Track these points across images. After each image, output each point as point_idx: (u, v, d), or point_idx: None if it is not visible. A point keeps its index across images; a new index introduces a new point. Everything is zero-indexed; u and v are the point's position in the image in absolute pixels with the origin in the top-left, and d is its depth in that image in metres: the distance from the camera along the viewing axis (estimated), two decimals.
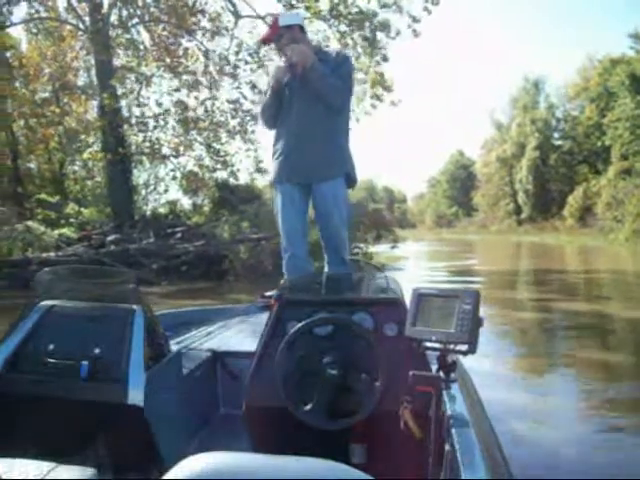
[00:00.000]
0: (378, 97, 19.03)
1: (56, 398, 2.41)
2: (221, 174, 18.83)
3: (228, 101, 18.15)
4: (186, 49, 17.92)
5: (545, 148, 55.42)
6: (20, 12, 17.99)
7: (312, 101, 3.80)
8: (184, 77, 17.98)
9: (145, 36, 18.20)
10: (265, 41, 4.24)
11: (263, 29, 18.65)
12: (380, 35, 17.77)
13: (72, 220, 18.42)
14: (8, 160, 22.62)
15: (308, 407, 2.35)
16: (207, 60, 17.81)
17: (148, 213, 20.90)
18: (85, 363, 2.44)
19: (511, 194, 60.14)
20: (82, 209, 19.99)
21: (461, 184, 77.64)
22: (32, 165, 27.04)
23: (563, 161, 54.58)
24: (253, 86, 18.26)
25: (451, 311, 1.99)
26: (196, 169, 18.96)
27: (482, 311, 1.98)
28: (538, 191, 55.80)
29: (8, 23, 17.66)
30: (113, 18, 17.48)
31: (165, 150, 18.25)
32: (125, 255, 14.66)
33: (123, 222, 16.43)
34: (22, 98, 21.45)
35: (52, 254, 14.56)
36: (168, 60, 17.31)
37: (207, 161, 18.46)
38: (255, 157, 18.53)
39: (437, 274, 16.92)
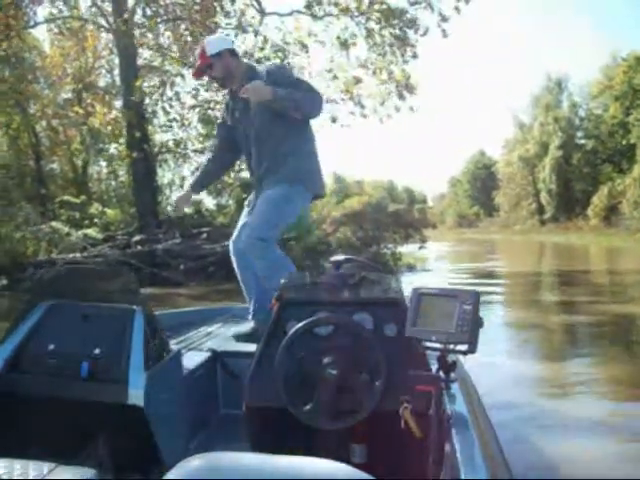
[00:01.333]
0: (401, 96, 18.75)
1: (56, 398, 2.43)
2: (246, 174, 18.54)
3: None
4: None
5: (568, 147, 54.95)
6: (44, 12, 17.91)
7: (261, 119, 3.66)
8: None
9: (168, 35, 18.00)
10: (197, 75, 3.95)
11: (289, 26, 18.50)
12: (409, 32, 17.48)
13: (96, 220, 18.29)
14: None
15: (308, 407, 2.35)
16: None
17: (173, 213, 20.70)
18: (85, 363, 2.46)
19: (534, 194, 59.60)
20: (106, 209, 19.85)
21: (482, 184, 77.15)
22: (54, 166, 27.07)
23: (586, 160, 54.11)
24: None
25: (451, 311, 2.00)
26: None
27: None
28: (561, 191, 55.34)
29: (32, 23, 17.57)
30: (137, 17, 17.32)
31: (190, 149, 18.01)
32: (151, 256, 14.45)
33: (148, 222, 16.20)
34: (45, 99, 21.45)
35: (78, 255, 14.38)
36: (192, 59, 17.06)
37: None
38: None
39: (465, 276, 16.56)
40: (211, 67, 3.68)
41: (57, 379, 2.47)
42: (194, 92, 18.07)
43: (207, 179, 4.19)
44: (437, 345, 2.03)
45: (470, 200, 79.83)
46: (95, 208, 19.29)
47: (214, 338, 3.65)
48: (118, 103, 19.64)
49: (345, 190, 60.23)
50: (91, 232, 16.87)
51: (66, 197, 19.92)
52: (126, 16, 15.93)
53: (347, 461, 0.99)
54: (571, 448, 3.97)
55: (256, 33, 17.68)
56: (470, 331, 1.94)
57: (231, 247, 3.90)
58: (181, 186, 21.15)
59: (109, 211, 19.76)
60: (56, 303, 2.68)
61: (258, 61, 17.57)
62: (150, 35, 17.49)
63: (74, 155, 25.87)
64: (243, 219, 3.88)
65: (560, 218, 54.74)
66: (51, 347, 2.54)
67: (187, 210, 21.00)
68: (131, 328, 2.54)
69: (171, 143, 17.80)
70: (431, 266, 18.60)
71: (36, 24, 17.64)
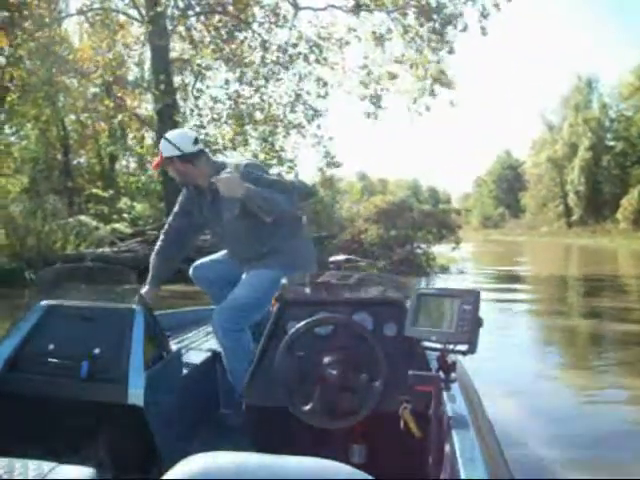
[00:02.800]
0: (433, 92, 18.41)
1: (56, 398, 2.44)
2: (277, 170, 18.29)
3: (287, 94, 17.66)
4: (242, 41, 17.45)
5: (598, 149, 54.32)
6: (76, 4, 17.76)
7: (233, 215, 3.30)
8: (240, 69, 17.50)
9: (200, 28, 17.77)
10: (155, 168, 3.72)
11: (324, 20, 18.21)
12: (447, 28, 17.11)
13: (125, 215, 18.12)
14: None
15: (308, 407, 2.33)
16: (265, 52, 17.31)
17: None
18: (85, 363, 2.47)
19: (561, 196, 58.97)
20: (135, 204, 19.68)
21: (508, 185, 76.39)
22: (82, 160, 27.06)
23: (616, 162, 53.60)
24: (318, 79, 17.79)
25: (451, 311, 1.99)
26: None
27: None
28: (590, 193, 54.69)
29: (64, 14, 17.43)
30: (169, 9, 17.09)
31: (220, 144, 17.75)
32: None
33: None
34: (75, 92, 21.33)
35: (107, 249, 14.18)
36: (227, 49, 16.83)
37: (262, 156, 17.94)
38: (326, 152, 17.99)
39: (499, 280, 16.19)
40: (168, 165, 3.34)
41: (57, 379, 2.49)
42: (225, 87, 17.88)
43: (163, 273, 3.62)
44: (437, 345, 2.04)
45: (495, 201, 79.09)
46: (124, 202, 19.15)
47: (214, 338, 3.56)
48: (149, 97, 19.50)
49: (370, 188, 59.93)
50: (119, 227, 16.72)
51: (95, 190, 19.77)
52: (160, 8, 15.69)
53: (347, 461, 1.01)
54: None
55: (290, 28, 17.39)
56: (470, 331, 1.94)
57: (192, 272, 3.60)
58: None
59: (138, 205, 19.60)
60: (56, 303, 2.68)
61: (290, 58, 17.29)
62: (182, 28, 17.26)
63: (102, 149, 25.79)
64: (215, 257, 3.61)
65: (588, 221, 54.09)
66: (51, 347, 2.55)
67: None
68: (131, 328, 2.55)
69: (202, 137, 17.52)
70: (463, 268, 18.19)
71: (68, 15, 17.45)
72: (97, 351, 2.52)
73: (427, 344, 2.10)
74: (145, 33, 17.16)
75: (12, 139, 24.59)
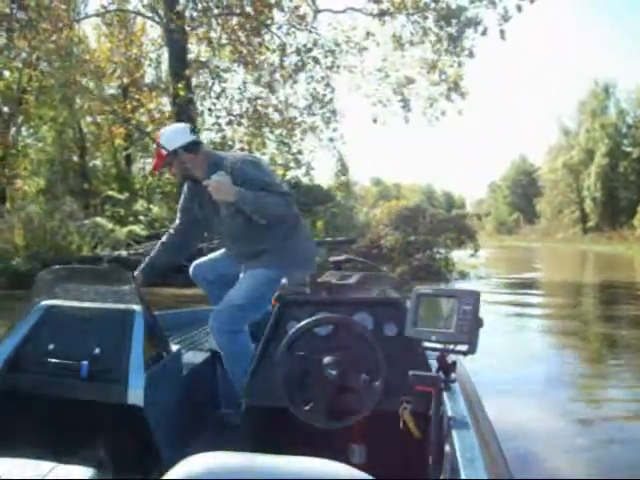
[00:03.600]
0: (449, 98, 18.25)
1: (56, 398, 2.44)
2: (295, 173, 18.19)
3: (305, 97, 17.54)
4: (260, 43, 17.34)
5: (615, 155, 53.78)
6: (94, 5, 17.73)
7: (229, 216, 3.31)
8: (258, 72, 17.41)
9: (219, 30, 17.67)
10: (156, 169, 3.65)
11: (343, 23, 18.08)
12: (467, 31, 16.93)
13: (141, 217, 18.02)
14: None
15: (308, 407, 2.33)
16: (283, 54, 17.19)
17: None
18: (85, 363, 2.48)
19: (577, 202, 58.43)
20: (151, 206, 19.59)
21: (523, 190, 75.90)
22: (97, 162, 27.08)
23: (633, 169, 53.01)
24: (327, 84, 17.67)
25: (451, 311, 1.99)
26: None
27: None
28: (606, 199, 54.13)
29: (82, 15, 17.40)
30: (187, 11, 17.02)
31: (237, 146, 17.64)
32: (198, 255, 14.02)
33: None
34: (91, 94, 21.32)
35: (123, 252, 14.07)
36: (245, 51, 16.72)
37: (279, 159, 17.83)
38: (339, 158, 17.89)
39: (520, 287, 15.96)
40: (170, 164, 3.35)
41: (57, 379, 2.49)
42: (242, 88, 17.77)
43: (159, 263, 3.65)
44: (437, 345, 2.04)
45: (509, 206, 78.60)
46: (140, 205, 19.05)
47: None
48: (166, 99, 19.43)
49: (384, 193, 59.82)
50: (136, 229, 16.61)
51: (110, 192, 19.71)
52: (179, 8, 15.61)
53: (347, 461, 1.01)
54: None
55: (310, 31, 17.26)
56: (470, 331, 1.94)
57: (191, 271, 3.61)
58: None
59: (154, 208, 19.51)
60: (56, 303, 2.69)
61: (303, 62, 17.14)
62: (201, 29, 17.16)
63: (118, 151, 25.78)
64: (213, 256, 3.62)
65: (604, 227, 53.54)
66: (51, 347, 2.55)
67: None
68: (131, 328, 2.55)
69: (218, 139, 17.42)
70: (483, 274, 17.95)
71: (87, 17, 17.43)
72: (97, 351, 2.53)
73: (427, 344, 2.10)
74: (163, 35, 17.10)
75: (29, 141, 24.67)
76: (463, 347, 1.96)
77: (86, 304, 2.70)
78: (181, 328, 3.77)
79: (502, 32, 16.59)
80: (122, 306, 2.66)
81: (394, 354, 2.38)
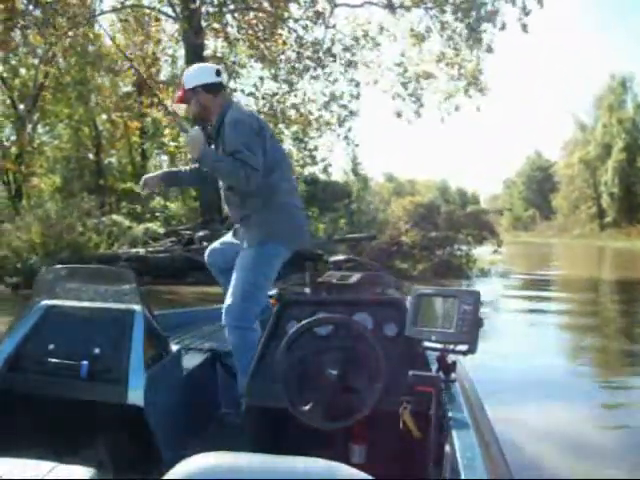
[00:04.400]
0: (468, 93, 18.04)
1: (56, 398, 2.44)
2: (312, 169, 18.02)
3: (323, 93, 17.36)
4: (276, 39, 17.15)
5: (632, 150, 53.47)
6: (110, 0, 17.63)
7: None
8: (275, 68, 17.24)
9: (235, 25, 17.51)
10: (176, 102, 3.60)
11: (360, 18, 17.90)
12: (485, 26, 16.71)
13: (158, 214, 17.89)
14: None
15: (308, 407, 2.31)
16: (300, 49, 17.01)
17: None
18: (85, 363, 2.48)
19: (594, 197, 57.95)
20: (168, 203, 19.46)
21: (538, 186, 75.41)
22: (112, 160, 27.03)
23: None
24: (351, 80, 17.51)
25: (451, 311, 2.00)
26: None
27: None
28: (624, 194, 53.74)
29: (98, 12, 17.25)
30: (204, 7, 16.85)
31: None
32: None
33: (212, 218, 15.60)
34: (107, 90, 21.26)
35: (141, 250, 13.92)
36: (262, 46, 16.54)
37: (295, 155, 17.66)
38: (353, 155, 17.72)
39: (546, 286, 15.70)
40: (189, 101, 3.35)
41: (57, 379, 2.49)
42: (259, 84, 17.62)
43: (182, 181, 3.85)
44: (437, 345, 2.06)
45: (525, 202, 78.08)
46: (157, 202, 18.92)
47: (214, 338, 3.65)
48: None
49: (398, 189, 59.52)
50: (153, 226, 16.48)
51: (129, 185, 19.55)
52: (194, 6, 15.46)
53: (347, 461, 1.12)
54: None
55: (327, 25, 17.06)
56: (470, 331, 1.95)
57: (206, 257, 3.65)
58: None
59: (171, 205, 19.38)
60: (56, 303, 2.69)
61: (320, 59, 16.94)
62: (217, 25, 16.99)
63: (133, 148, 25.71)
64: (224, 239, 3.64)
65: (621, 222, 53.08)
66: (51, 347, 2.55)
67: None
68: (131, 328, 2.55)
69: None
70: (504, 271, 17.70)
71: (103, 13, 17.29)
72: (97, 351, 2.53)
73: (427, 344, 2.12)
74: (179, 30, 16.96)
75: (45, 139, 24.66)
76: (463, 347, 1.99)
77: (86, 304, 2.71)
78: (181, 328, 3.78)
79: (524, 26, 16.40)
80: (122, 306, 2.67)
81: (394, 354, 2.38)
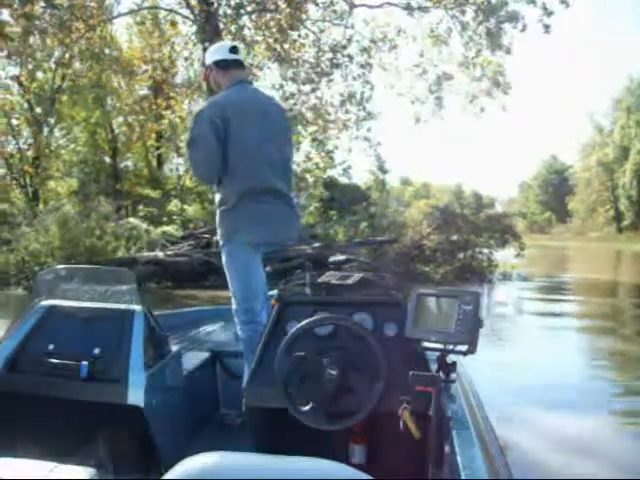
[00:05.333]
0: (490, 94, 17.79)
1: (56, 398, 2.45)
2: (331, 172, 17.81)
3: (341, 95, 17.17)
4: (294, 40, 16.99)
5: None
6: (127, 3, 17.56)
7: None
8: (293, 69, 17.07)
9: (252, 27, 17.37)
10: (202, 79, 3.82)
11: (379, 20, 17.70)
12: (506, 27, 16.45)
13: (175, 218, 17.77)
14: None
15: (308, 407, 2.31)
16: (318, 50, 16.83)
17: None
18: (85, 363, 2.48)
19: (612, 200, 57.37)
20: (185, 206, 19.34)
21: (554, 189, 74.80)
22: (129, 163, 27.01)
23: None
24: (366, 81, 17.28)
25: (451, 311, 2.04)
26: (301, 166, 17.91)
27: None
28: None
29: (115, 14, 17.22)
30: (221, 9, 16.73)
31: None
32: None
33: None
34: (123, 93, 21.21)
35: (160, 253, 13.78)
36: (279, 47, 16.38)
37: (315, 158, 17.48)
38: (377, 155, 17.50)
39: (574, 290, 15.43)
40: (208, 77, 3.42)
41: (57, 379, 2.50)
42: (277, 86, 17.44)
43: None
44: (437, 345, 2.08)
45: (541, 206, 77.49)
46: (174, 205, 18.80)
47: (214, 338, 3.69)
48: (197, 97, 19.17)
49: (414, 193, 59.34)
50: (170, 229, 16.37)
51: (146, 191, 19.50)
52: (211, 8, 15.34)
53: (347, 461, 1.13)
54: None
55: (345, 26, 16.88)
56: (470, 331, 1.96)
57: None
58: None
59: (189, 208, 19.26)
60: (56, 303, 2.70)
61: (337, 60, 16.76)
62: (234, 27, 16.85)
63: (149, 152, 25.66)
64: None
65: (639, 226, 52.52)
66: (51, 347, 2.56)
67: None
68: (131, 328, 2.56)
69: None
70: (527, 275, 17.44)
71: (120, 15, 17.25)
72: (97, 351, 2.53)
73: (427, 344, 2.13)
74: (196, 32, 16.84)
75: (61, 142, 24.65)
76: (463, 347, 2.00)
77: (86, 304, 2.71)
78: (181, 328, 3.78)
79: (547, 27, 16.10)
80: (122, 306, 2.68)
81: (394, 354, 2.37)
